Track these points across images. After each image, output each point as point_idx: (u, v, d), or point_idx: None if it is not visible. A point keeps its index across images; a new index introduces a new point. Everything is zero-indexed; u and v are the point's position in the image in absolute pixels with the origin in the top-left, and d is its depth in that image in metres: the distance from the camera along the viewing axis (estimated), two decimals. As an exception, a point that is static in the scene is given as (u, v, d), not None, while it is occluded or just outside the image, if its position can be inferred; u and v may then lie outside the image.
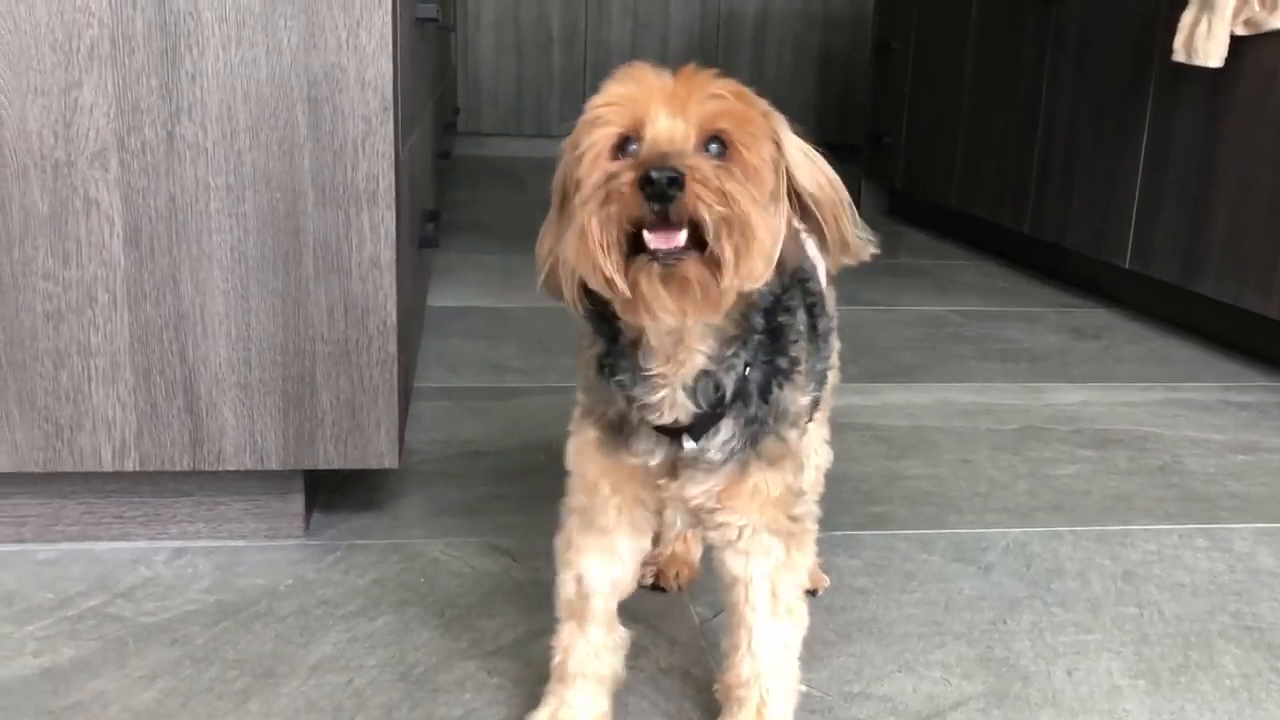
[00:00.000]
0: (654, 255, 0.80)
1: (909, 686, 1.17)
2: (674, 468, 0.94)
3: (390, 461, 1.37)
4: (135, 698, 1.10)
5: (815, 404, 1.10)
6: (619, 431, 0.94)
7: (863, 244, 0.92)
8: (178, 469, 1.33)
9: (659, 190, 0.78)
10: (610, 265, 0.81)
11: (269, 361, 1.31)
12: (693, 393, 0.90)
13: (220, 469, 1.34)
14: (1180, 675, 1.21)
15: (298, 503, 1.44)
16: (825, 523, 1.35)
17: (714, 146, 0.83)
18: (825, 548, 1.38)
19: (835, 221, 0.90)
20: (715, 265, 0.81)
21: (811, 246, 1.15)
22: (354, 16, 1.23)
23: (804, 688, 1.04)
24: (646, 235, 0.80)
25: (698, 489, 0.94)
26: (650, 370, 0.90)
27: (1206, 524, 1.60)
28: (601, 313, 0.91)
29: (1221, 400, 2.17)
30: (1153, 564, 1.47)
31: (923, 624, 1.30)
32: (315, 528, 1.47)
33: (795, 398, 0.95)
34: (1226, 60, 2.34)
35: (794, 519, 0.98)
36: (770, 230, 0.83)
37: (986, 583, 1.40)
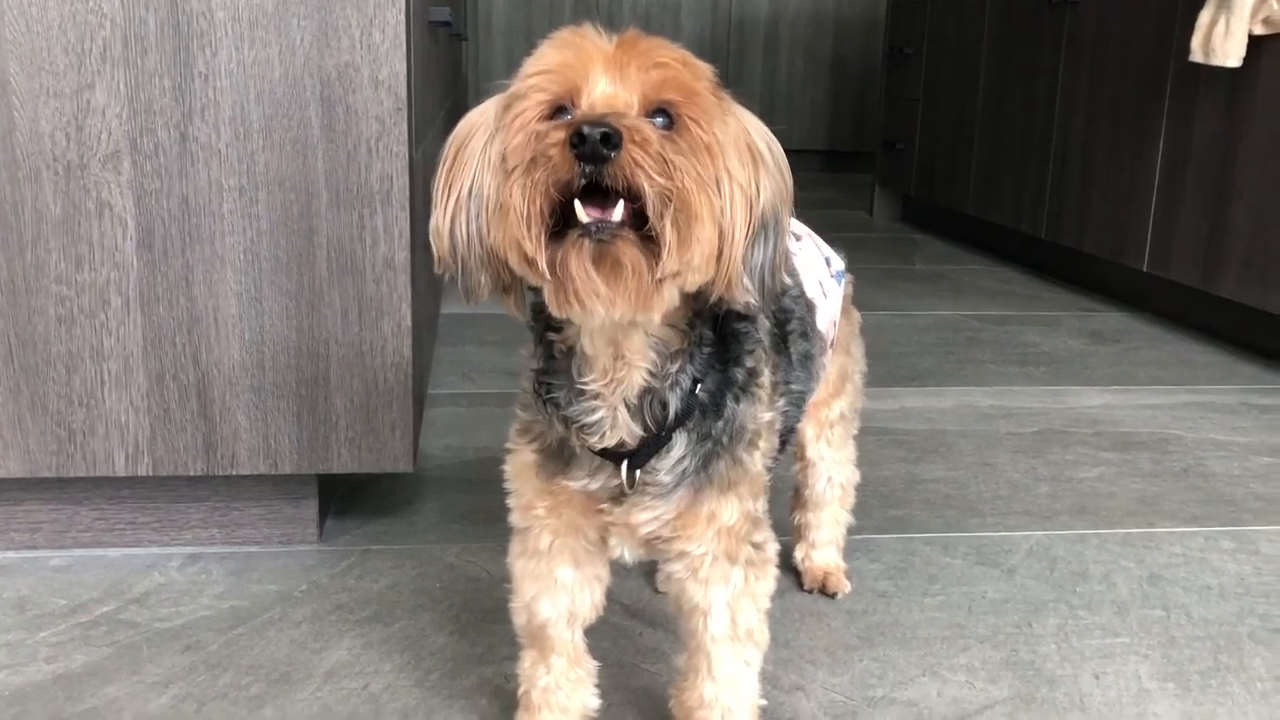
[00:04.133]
0: (585, 229, 0.70)
1: (934, 691, 1.15)
2: (619, 493, 0.86)
3: (405, 466, 1.36)
4: (149, 704, 1.09)
5: (790, 426, 1.02)
6: (558, 456, 0.87)
7: (758, 285, 0.78)
8: (191, 474, 1.32)
9: (591, 149, 0.68)
10: (532, 242, 0.71)
11: (282, 365, 1.30)
12: (637, 412, 0.82)
13: (234, 473, 1.33)
14: (1210, 678, 1.19)
15: (311, 508, 1.42)
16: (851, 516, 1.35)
17: (659, 119, 0.73)
18: (845, 551, 1.36)
19: (734, 239, 0.76)
20: (653, 250, 0.71)
21: (802, 258, 1.13)
22: (367, 16, 1.22)
23: (764, 702, 1.00)
24: (578, 206, 0.70)
25: (647, 515, 0.87)
26: (586, 385, 0.82)
27: (1232, 526, 1.57)
28: (539, 319, 0.83)
29: (1244, 403, 2.14)
30: (1179, 567, 1.44)
31: (946, 627, 1.28)
32: (329, 533, 1.46)
33: (754, 413, 0.87)
34: (1245, 60, 2.32)
35: (755, 546, 0.92)
36: (715, 217, 0.73)
37: (1010, 586, 1.38)
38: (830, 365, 1.19)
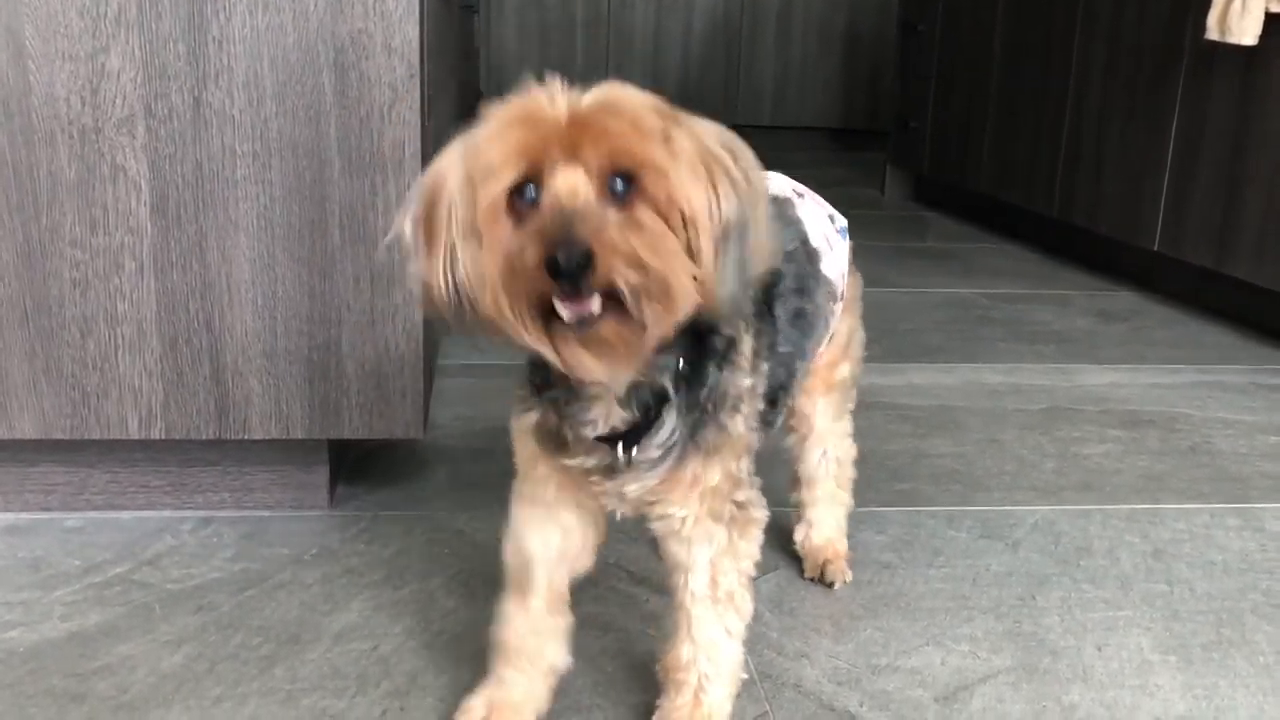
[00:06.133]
0: (570, 328, 0.76)
1: (937, 659, 1.16)
2: (610, 469, 0.90)
3: (415, 432, 1.37)
4: (162, 662, 1.11)
5: (783, 389, 1.04)
6: (554, 438, 0.91)
7: (726, 291, 0.79)
8: (203, 438, 1.34)
9: (568, 272, 0.73)
10: (529, 334, 0.77)
11: (295, 330, 1.31)
12: (628, 403, 0.87)
13: (246, 438, 1.34)
14: (1212, 652, 1.19)
15: (322, 474, 1.44)
16: (852, 499, 1.35)
17: (619, 183, 0.77)
18: (851, 523, 1.36)
19: (703, 263, 0.78)
20: (634, 323, 0.77)
21: (804, 209, 1.13)
22: (381, -17, 1.22)
23: (745, 675, 1.02)
24: (558, 305, 0.76)
25: (635, 485, 0.91)
26: (584, 392, 0.87)
27: (1238, 504, 1.58)
28: None
29: (1253, 383, 2.14)
30: (1183, 542, 1.45)
31: (950, 599, 1.29)
32: (340, 499, 1.48)
33: (735, 380, 0.91)
34: (1261, 38, 2.30)
35: (738, 505, 0.95)
36: (688, 273, 0.77)
37: (1014, 559, 1.39)
38: (839, 324, 1.19)
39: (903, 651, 1.17)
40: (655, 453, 0.89)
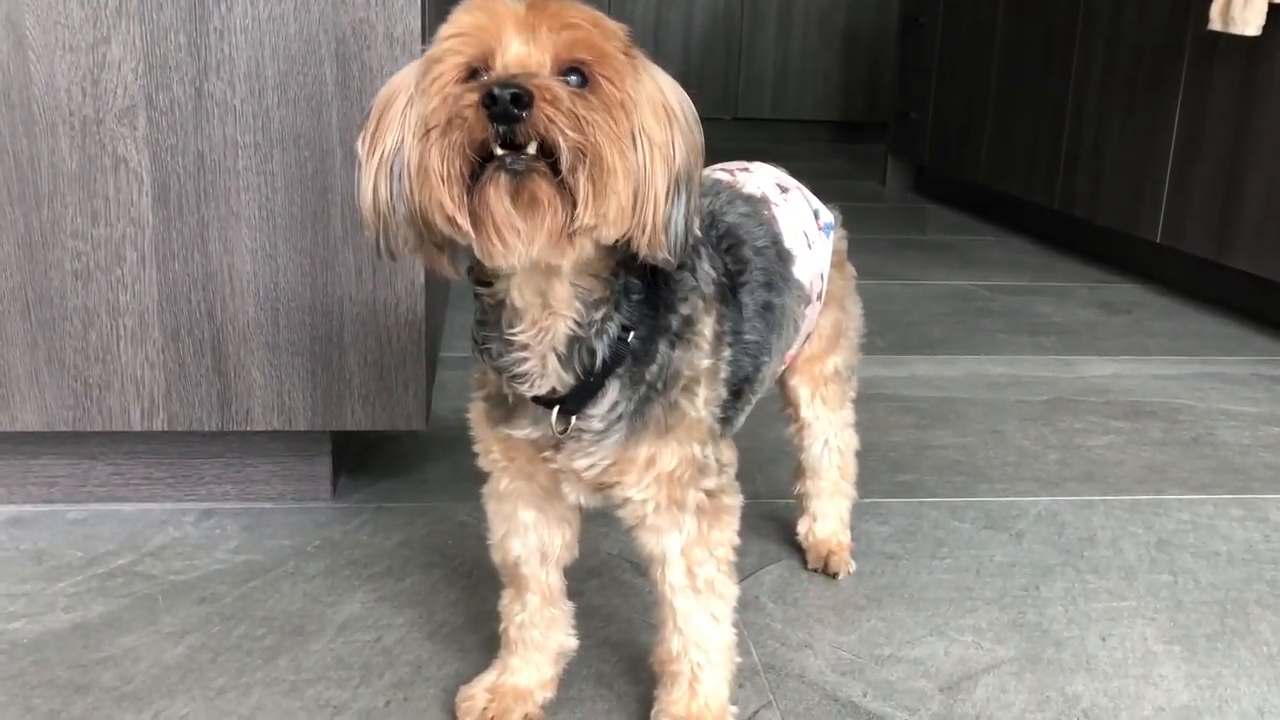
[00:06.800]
0: (500, 161, 0.72)
1: (940, 650, 1.16)
2: (558, 441, 0.88)
3: (417, 424, 1.37)
4: (165, 653, 1.11)
5: (749, 381, 1.02)
6: (503, 404, 0.90)
7: (673, 241, 0.79)
8: (206, 429, 1.33)
9: (503, 109, 0.70)
10: (452, 201, 0.74)
11: (297, 322, 1.31)
12: (567, 361, 0.85)
13: (248, 430, 1.34)
14: (1216, 642, 1.19)
15: (325, 466, 1.44)
16: (855, 491, 1.35)
17: (573, 78, 0.75)
18: (854, 514, 1.36)
19: (654, 197, 0.78)
20: (569, 200, 0.74)
21: (787, 209, 1.13)
22: (382, -28, 1.22)
23: (740, 659, 1.01)
24: (495, 148, 0.72)
25: (585, 462, 0.88)
26: (515, 335, 0.84)
27: (1241, 494, 1.58)
28: (471, 274, 0.85)
29: (1255, 374, 2.14)
30: (1187, 533, 1.45)
31: (954, 589, 1.29)
32: (342, 491, 1.47)
33: (691, 360, 0.89)
34: (1264, 29, 2.30)
35: (708, 494, 0.92)
36: (629, 172, 0.75)
37: (1018, 550, 1.39)
38: (821, 319, 1.19)
39: (906, 642, 1.17)
40: (597, 424, 0.87)
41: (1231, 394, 2.01)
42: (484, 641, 1.14)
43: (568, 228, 0.75)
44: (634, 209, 0.77)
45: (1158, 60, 2.70)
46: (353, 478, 1.51)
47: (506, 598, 1.03)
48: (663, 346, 0.87)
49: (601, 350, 0.85)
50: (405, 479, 1.52)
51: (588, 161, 0.73)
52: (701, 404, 0.90)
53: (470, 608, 1.21)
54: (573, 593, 1.05)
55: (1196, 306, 2.65)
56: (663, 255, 0.80)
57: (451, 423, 1.73)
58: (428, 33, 1.29)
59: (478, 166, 0.74)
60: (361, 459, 1.57)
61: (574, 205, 0.74)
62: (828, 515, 1.31)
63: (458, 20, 0.77)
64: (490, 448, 0.94)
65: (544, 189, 0.73)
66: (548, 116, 0.71)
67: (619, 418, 0.87)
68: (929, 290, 2.73)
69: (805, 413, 1.25)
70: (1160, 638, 1.20)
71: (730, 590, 0.97)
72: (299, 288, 1.30)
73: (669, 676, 0.99)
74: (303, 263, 1.29)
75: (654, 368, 0.87)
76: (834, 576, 1.30)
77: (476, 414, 0.94)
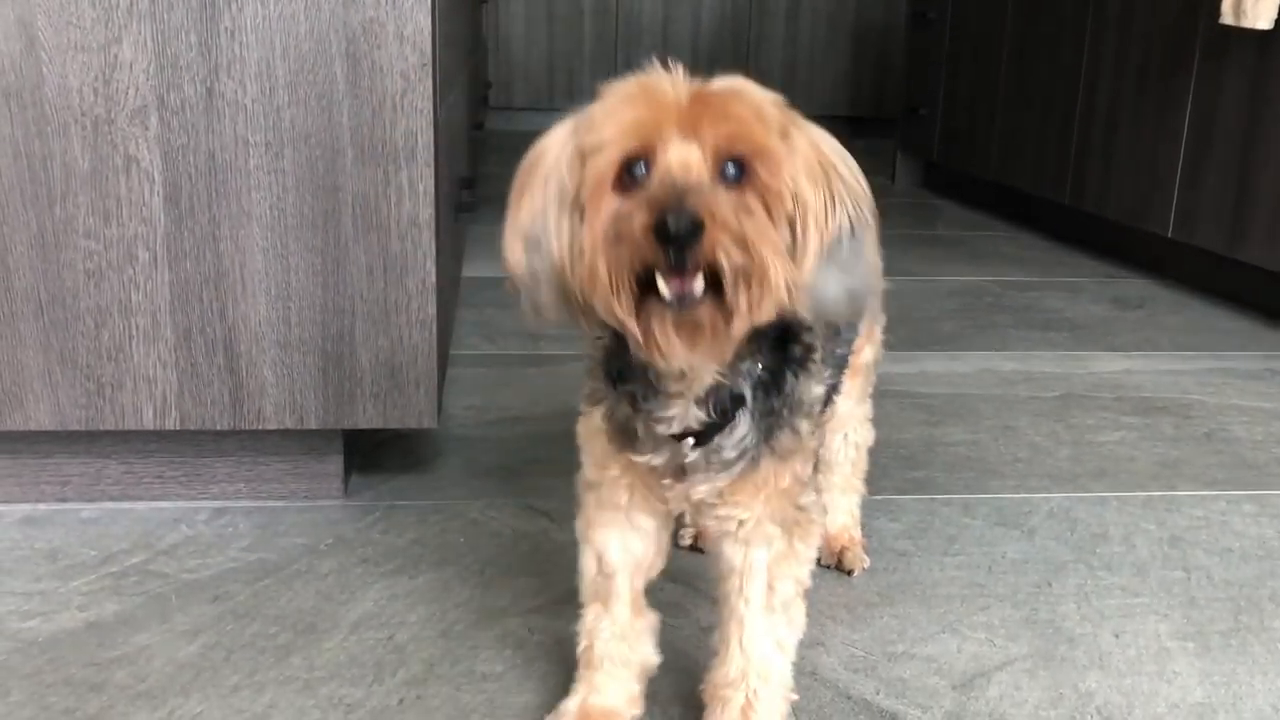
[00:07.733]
0: (668, 302, 0.75)
1: (953, 647, 1.16)
2: (680, 469, 0.89)
3: (429, 422, 1.37)
4: (179, 651, 1.11)
5: (834, 390, 1.04)
6: (625, 431, 0.89)
7: (821, 304, 0.80)
8: (218, 428, 1.34)
9: (676, 239, 0.72)
10: (622, 308, 0.75)
11: (308, 320, 1.31)
12: (705, 404, 0.85)
13: (260, 428, 1.34)
14: (1230, 639, 1.19)
15: (337, 464, 1.44)
16: (865, 486, 1.35)
17: (730, 168, 0.76)
18: (865, 511, 1.36)
19: (805, 268, 0.78)
20: (727, 310, 0.76)
21: None
22: (392, -29, 1.22)
23: (795, 696, 0.99)
24: (660, 281, 0.74)
25: (705, 487, 0.89)
26: (665, 387, 0.85)
27: (1254, 490, 1.57)
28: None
29: (1268, 369, 2.13)
30: (1200, 529, 1.45)
31: (966, 586, 1.28)
32: (354, 489, 1.48)
33: (810, 387, 0.90)
34: (1276, 22, 2.29)
35: (799, 509, 0.93)
36: (787, 273, 0.76)
37: (1030, 547, 1.39)
38: None
39: (919, 639, 1.17)
40: (729, 454, 0.87)
41: (1244, 389, 2.01)
42: (496, 639, 1.14)
43: (726, 340, 0.77)
44: (789, 292, 0.78)
45: (1168, 54, 2.68)
46: (364, 476, 1.52)
47: (591, 614, 1.00)
48: (789, 376, 0.88)
49: (746, 390, 0.86)
50: (417, 477, 1.52)
51: (752, 280, 0.74)
52: (810, 427, 0.92)
53: (482, 606, 1.21)
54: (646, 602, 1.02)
55: (1209, 301, 2.64)
56: (804, 314, 0.81)
57: (463, 421, 1.73)
58: (437, 32, 1.30)
59: (644, 279, 0.75)
60: (373, 457, 1.57)
61: (732, 318, 0.76)
62: (838, 509, 1.31)
63: (619, 114, 0.76)
64: (606, 463, 0.93)
65: (705, 314, 0.75)
66: (715, 240, 0.72)
67: (747, 448, 0.88)
68: (939, 286, 2.73)
69: (838, 404, 1.23)
70: (1174, 634, 1.20)
71: (800, 620, 0.96)
72: (310, 286, 1.30)
73: (720, 701, 0.96)
74: (314, 261, 1.29)
75: (781, 397, 0.88)
76: (849, 573, 1.30)
77: (590, 429, 0.93)
